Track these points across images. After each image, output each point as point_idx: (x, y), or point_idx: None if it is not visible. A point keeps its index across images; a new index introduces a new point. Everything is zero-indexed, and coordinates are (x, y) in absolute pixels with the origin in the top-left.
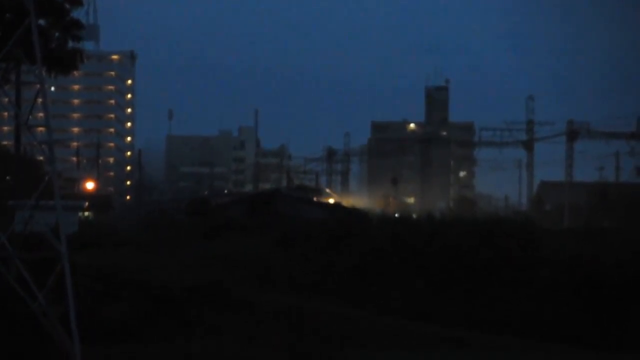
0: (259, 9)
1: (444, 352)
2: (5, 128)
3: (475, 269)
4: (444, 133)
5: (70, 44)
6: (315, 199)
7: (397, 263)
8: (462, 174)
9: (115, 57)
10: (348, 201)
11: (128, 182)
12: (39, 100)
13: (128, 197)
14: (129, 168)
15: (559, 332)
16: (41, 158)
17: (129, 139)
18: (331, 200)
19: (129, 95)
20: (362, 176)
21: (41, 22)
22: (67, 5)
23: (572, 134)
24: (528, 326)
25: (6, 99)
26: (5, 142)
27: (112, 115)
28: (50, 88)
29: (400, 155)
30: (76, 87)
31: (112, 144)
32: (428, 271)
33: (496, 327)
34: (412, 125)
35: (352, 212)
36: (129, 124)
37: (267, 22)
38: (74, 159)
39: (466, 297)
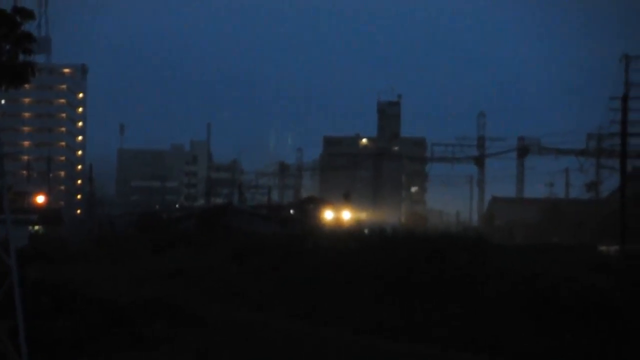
0: (211, 24)
1: None
2: None
3: (426, 283)
4: (396, 148)
5: (22, 56)
6: (329, 209)
7: (349, 277)
8: (413, 189)
9: (66, 70)
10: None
11: (79, 196)
12: None
13: (79, 211)
14: (79, 182)
15: (508, 347)
16: None
17: (79, 152)
18: (347, 213)
19: (80, 109)
20: (314, 191)
21: None
22: (19, 18)
23: (523, 150)
24: (476, 340)
25: None
26: None
27: (63, 129)
28: (0, 101)
29: (353, 170)
30: (27, 100)
31: (63, 158)
32: (380, 285)
33: (445, 341)
34: (364, 140)
35: (305, 226)
36: (80, 137)
37: (219, 36)
38: (24, 172)
39: (417, 311)
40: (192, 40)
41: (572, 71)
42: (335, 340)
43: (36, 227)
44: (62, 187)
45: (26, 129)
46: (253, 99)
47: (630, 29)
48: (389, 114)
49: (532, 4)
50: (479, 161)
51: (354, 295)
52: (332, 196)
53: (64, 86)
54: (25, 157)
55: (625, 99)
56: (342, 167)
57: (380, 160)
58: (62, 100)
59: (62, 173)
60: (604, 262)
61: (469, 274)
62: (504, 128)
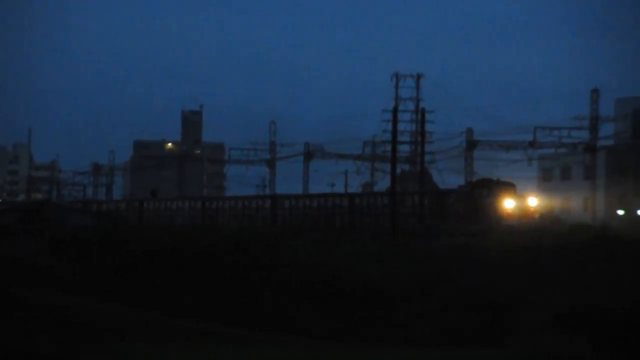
0: (36, 25)
1: (206, 344)
2: None
3: (227, 272)
4: (198, 151)
5: None
6: (510, 195)
7: (159, 267)
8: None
9: None
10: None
11: None
12: None
13: None
14: None
15: (296, 328)
16: None
17: None
18: (533, 200)
19: None
20: (125, 189)
21: None
22: None
23: (308, 154)
24: (273, 322)
25: None
26: None
27: None
28: None
29: (160, 171)
30: None
31: None
32: (186, 274)
33: (242, 322)
34: (170, 144)
35: (119, 219)
36: None
37: (35, 42)
38: None
39: (220, 296)
40: (14, 44)
41: (351, 85)
42: (151, 322)
43: None
44: None
45: None
46: (71, 105)
47: (402, 49)
48: (191, 121)
49: (326, 19)
50: (271, 164)
51: (162, 283)
52: (142, 193)
53: None
54: None
55: (395, 111)
56: (151, 168)
57: (184, 162)
58: None
59: None
60: (378, 254)
61: (264, 264)
62: (292, 135)
